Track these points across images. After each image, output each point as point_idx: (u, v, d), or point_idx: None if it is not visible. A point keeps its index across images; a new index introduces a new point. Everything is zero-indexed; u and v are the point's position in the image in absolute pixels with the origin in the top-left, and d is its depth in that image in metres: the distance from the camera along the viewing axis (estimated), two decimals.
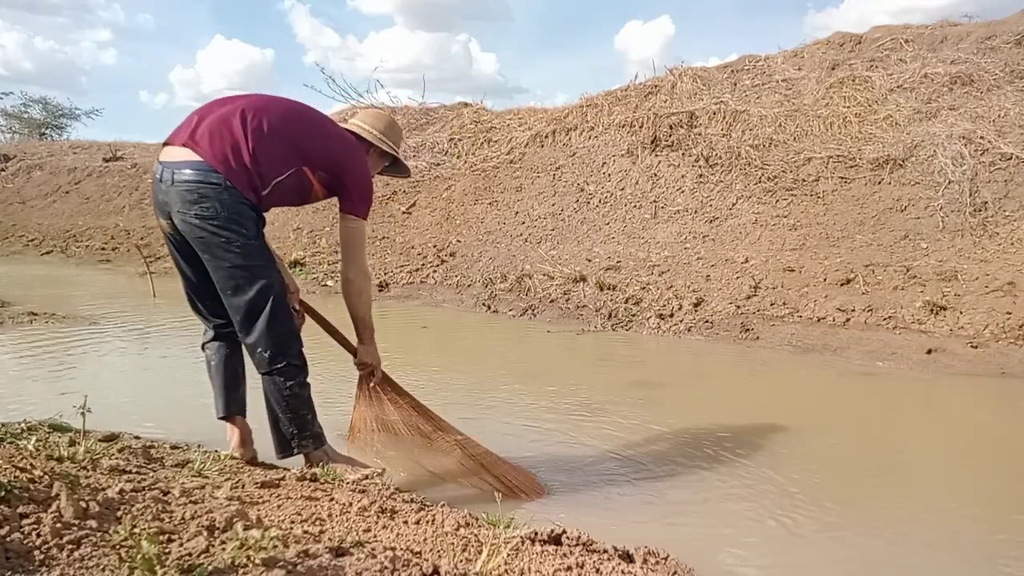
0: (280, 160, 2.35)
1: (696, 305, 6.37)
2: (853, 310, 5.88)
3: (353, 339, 2.71)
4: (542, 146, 9.64)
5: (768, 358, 5.38)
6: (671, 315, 6.29)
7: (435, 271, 8.14)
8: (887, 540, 2.45)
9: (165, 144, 2.36)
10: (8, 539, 1.22)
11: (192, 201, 2.24)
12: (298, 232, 9.23)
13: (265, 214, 2.45)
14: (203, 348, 2.60)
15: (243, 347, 2.55)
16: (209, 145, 2.26)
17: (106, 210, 12.21)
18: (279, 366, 2.38)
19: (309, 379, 2.49)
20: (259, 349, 2.37)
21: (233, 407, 2.56)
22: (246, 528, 1.36)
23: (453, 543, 1.77)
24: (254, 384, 2.57)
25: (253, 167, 2.29)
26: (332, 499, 2.01)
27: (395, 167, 2.85)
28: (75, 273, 9.58)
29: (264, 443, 2.60)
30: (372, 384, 2.74)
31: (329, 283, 7.91)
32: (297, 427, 2.44)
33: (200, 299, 2.53)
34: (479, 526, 1.97)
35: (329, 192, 2.52)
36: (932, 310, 5.65)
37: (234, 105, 2.35)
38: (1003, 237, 6.25)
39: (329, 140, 2.49)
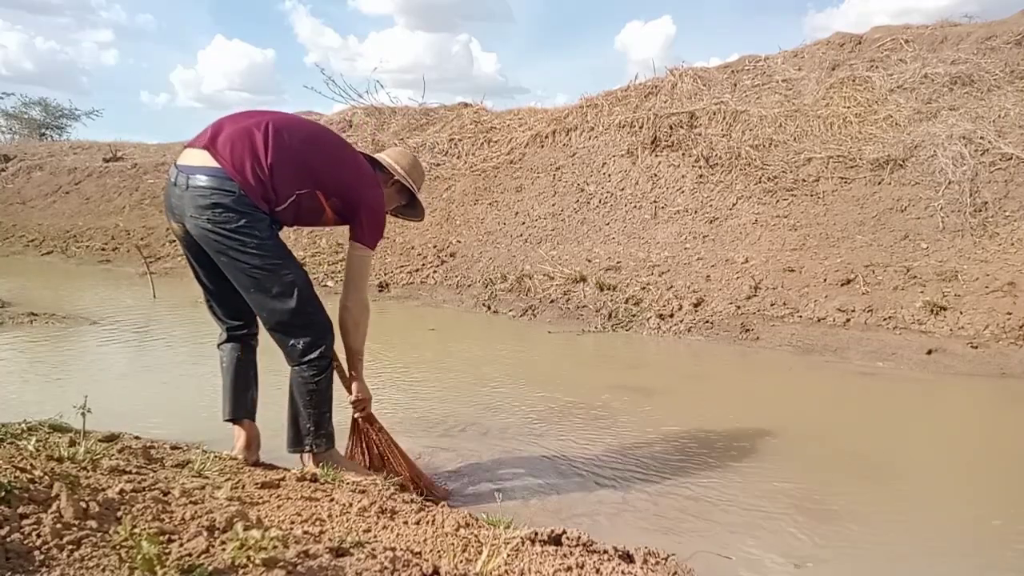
0: (296, 180, 2.36)
1: (696, 305, 6.37)
2: (853, 310, 5.88)
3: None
4: (542, 146, 9.64)
5: (768, 358, 5.38)
6: (671, 315, 6.29)
7: (435, 271, 8.14)
8: (888, 542, 2.45)
9: (187, 146, 2.37)
10: (8, 539, 1.22)
11: (205, 207, 2.24)
12: (298, 232, 9.24)
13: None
14: (218, 348, 2.61)
15: (257, 350, 2.59)
16: (229, 153, 2.27)
17: (106, 210, 12.21)
18: (310, 358, 2.39)
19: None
20: (290, 342, 2.38)
21: (240, 410, 2.56)
22: (246, 528, 1.36)
23: (453, 543, 1.77)
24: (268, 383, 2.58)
25: (269, 182, 2.29)
26: (332, 499, 2.01)
27: (410, 209, 2.88)
28: (75, 273, 9.58)
29: (268, 446, 2.60)
30: (359, 416, 2.65)
31: (329, 283, 7.91)
32: (315, 423, 2.45)
33: (215, 301, 2.53)
34: (479, 526, 1.97)
35: (340, 219, 2.55)
36: (932, 310, 5.65)
37: (260, 119, 2.37)
38: (1003, 237, 6.25)
39: (346, 168, 2.51)
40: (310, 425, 2.44)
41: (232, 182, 2.24)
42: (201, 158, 2.29)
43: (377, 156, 2.72)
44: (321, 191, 2.43)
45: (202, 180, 2.25)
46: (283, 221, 2.44)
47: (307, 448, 2.48)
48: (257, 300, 2.35)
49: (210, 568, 1.22)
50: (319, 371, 2.41)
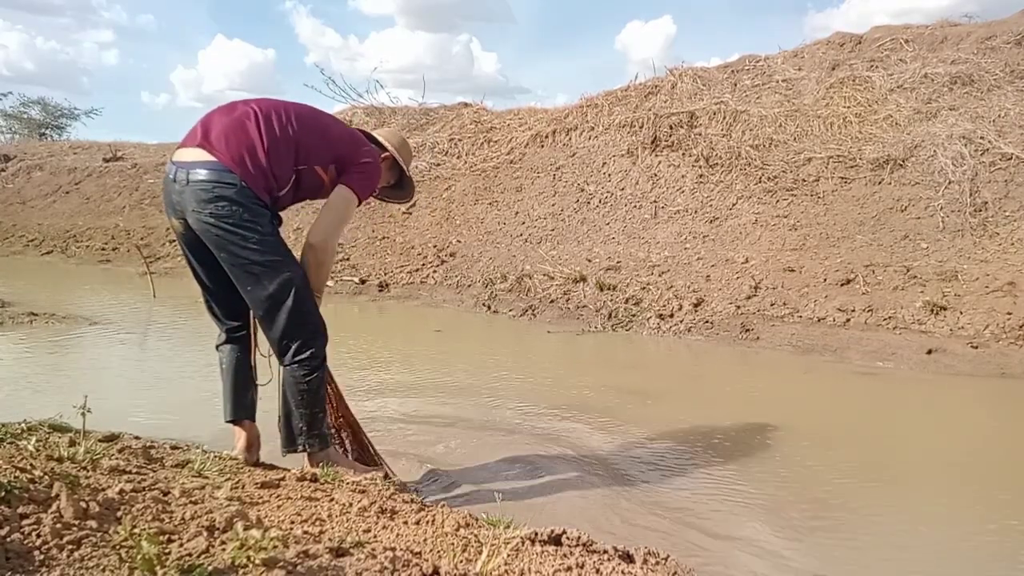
0: (293, 161, 2.40)
1: (696, 305, 6.37)
2: (853, 310, 5.88)
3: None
4: (542, 146, 9.64)
5: (768, 358, 5.38)
6: (671, 315, 6.29)
7: (435, 271, 8.14)
8: (888, 542, 2.45)
9: (179, 147, 2.38)
10: (8, 539, 1.22)
11: (207, 200, 2.24)
12: (298, 232, 9.24)
13: (280, 213, 2.49)
14: (217, 349, 2.61)
15: (257, 350, 2.57)
16: (225, 146, 2.29)
17: (106, 210, 12.21)
18: (302, 357, 2.38)
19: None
20: (284, 341, 2.37)
21: (240, 411, 2.56)
22: (246, 528, 1.36)
23: (453, 543, 1.77)
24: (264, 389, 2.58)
25: (268, 169, 2.32)
26: (332, 499, 2.01)
27: (399, 189, 2.92)
28: (75, 273, 9.58)
29: (269, 446, 2.60)
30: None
31: (328, 283, 7.91)
32: (307, 423, 2.44)
33: (215, 301, 2.53)
34: (479, 526, 1.97)
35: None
36: (932, 310, 5.65)
37: (247, 108, 2.39)
38: (1003, 237, 6.25)
39: (339, 137, 2.55)
40: (302, 425, 2.44)
41: (232, 174, 2.25)
42: (198, 154, 2.29)
43: (370, 132, 2.79)
44: (319, 165, 2.46)
45: (203, 174, 2.26)
46: (284, 204, 2.47)
47: (300, 448, 2.48)
48: (254, 297, 2.35)
49: (210, 568, 1.22)
50: (311, 371, 2.40)
